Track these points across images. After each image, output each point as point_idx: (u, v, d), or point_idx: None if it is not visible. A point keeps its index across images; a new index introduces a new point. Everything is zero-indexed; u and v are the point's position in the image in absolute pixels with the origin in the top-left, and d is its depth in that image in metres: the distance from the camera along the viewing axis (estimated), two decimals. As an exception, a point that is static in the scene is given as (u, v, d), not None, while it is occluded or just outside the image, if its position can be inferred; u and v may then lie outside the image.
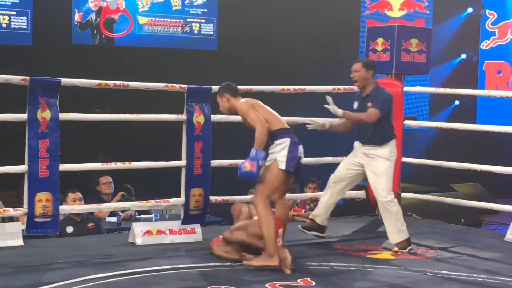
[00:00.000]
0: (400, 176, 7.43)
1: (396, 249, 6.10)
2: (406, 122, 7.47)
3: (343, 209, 9.49)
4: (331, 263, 5.53)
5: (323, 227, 6.45)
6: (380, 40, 7.49)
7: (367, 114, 6.11)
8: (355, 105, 6.34)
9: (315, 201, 8.02)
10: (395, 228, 6.14)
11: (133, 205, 6.51)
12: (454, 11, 14.33)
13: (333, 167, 6.60)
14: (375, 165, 6.20)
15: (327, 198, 6.41)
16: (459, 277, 5.23)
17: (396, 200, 6.25)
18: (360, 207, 7.56)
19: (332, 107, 5.97)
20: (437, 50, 12.75)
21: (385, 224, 6.22)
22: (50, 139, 5.62)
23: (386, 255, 5.98)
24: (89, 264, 5.39)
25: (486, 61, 13.98)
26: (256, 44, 12.12)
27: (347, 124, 6.36)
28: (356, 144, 6.37)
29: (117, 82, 6.12)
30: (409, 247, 6.14)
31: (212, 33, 11.74)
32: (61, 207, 5.85)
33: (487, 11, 14.05)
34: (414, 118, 8.34)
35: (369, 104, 6.14)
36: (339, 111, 5.99)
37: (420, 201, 8.27)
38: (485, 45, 14.02)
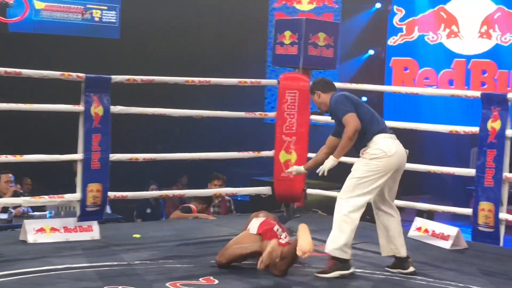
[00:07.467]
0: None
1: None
2: (313, 117, 7.42)
3: (249, 205, 9.38)
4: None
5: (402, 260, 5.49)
6: (287, 33, 7.40)
7: (346, 128, 5.29)
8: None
9: (219, 197, 7.84)
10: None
11: (25, 200, 6.28)
12: (363, 6, 14.45)
13: (238, 162, 6.44)
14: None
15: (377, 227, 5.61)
16: (362, 274, 5.26)
17: (356, 211, 5.34)
18: (265, 204, 7.43)
19: (294, 169, 5.74)
20: (345, 45, 12.82)
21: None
22: None
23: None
24: (-25, 264, 5.12)
25: (393, 58, 14.14)
26: (161, 33, 11.91)
27: (329, 150, 5.54)
28: None
29: (9, 70, 5.82)
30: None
31: (114, 21, 11.39)
32: None
33: (395, 7, 14.22)
34: (320, 113, 8.28)
35: (333, 120, 5.50)
36: (302, 168, 5.69)
37: (326, 198, 8.23)
38: (392, 41, 14.17)
